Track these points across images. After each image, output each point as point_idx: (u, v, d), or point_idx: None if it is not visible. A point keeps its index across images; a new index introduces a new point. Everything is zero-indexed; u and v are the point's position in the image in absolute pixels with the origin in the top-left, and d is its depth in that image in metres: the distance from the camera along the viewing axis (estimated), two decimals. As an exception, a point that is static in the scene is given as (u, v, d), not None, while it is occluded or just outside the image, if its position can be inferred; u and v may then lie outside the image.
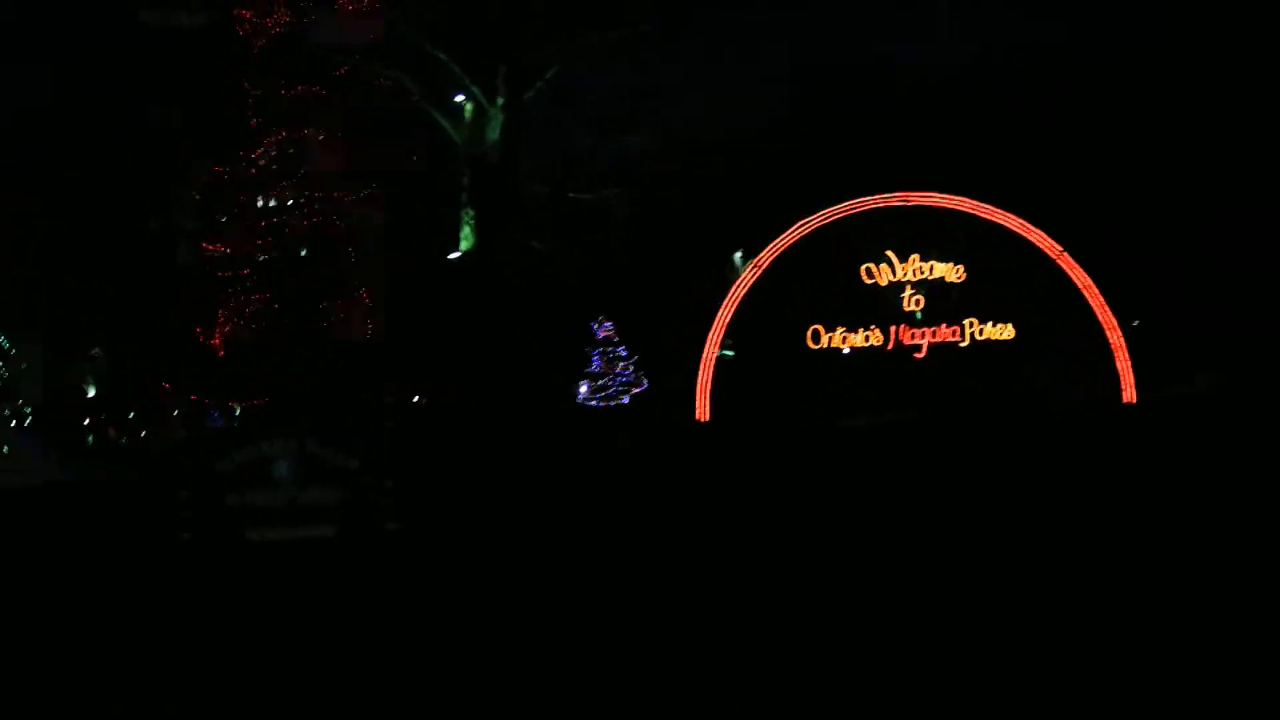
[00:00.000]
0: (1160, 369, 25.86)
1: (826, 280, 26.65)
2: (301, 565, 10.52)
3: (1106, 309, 25.69)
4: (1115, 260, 26.72)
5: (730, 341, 27.18)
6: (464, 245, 24.20)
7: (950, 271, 26.48)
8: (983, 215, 26.07)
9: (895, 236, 26.56)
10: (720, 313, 26.67)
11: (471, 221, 23.96)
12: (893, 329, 26.43)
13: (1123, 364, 25.57)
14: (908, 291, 26.54)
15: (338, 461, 11.31)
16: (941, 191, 26.15)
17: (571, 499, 15.16)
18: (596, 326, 27.48)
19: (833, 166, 27.90)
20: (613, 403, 27.37)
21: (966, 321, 26.39)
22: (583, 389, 27.42)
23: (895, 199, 26.22)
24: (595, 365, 27.46)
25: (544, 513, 13.93)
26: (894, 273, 26.53)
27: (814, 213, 26.46)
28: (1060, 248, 25.63)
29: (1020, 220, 25.85)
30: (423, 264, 26.15)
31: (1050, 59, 28.55)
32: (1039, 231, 25.90)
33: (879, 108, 28.47)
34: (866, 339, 26.51)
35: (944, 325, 26.40)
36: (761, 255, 26.45)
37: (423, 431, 25.82)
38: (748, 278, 26.72)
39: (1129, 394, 25.56)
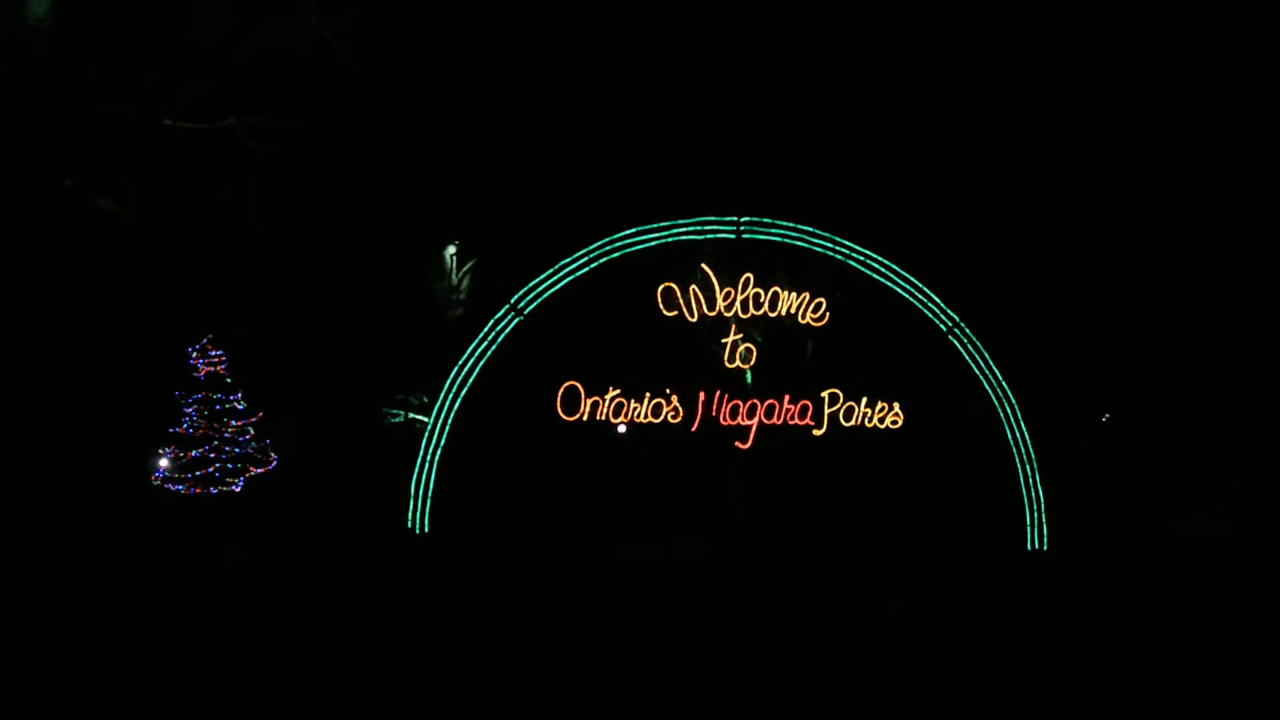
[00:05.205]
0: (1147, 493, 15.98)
1: (598, 306, 15.62)
2: None
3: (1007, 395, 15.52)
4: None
5: (422, 397, 15.79)
6: (-31, 198, 15.73)
7: (804, 308, 15.77)
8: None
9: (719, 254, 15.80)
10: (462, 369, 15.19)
11: (-14, 157, 15.47)
12: (702, 397, 15.54)
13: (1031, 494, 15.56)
14: (733, 335, 15.72)
15: None
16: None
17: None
18: (195, 356, 15.67)
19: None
20: (215, 488, 15.57)
21: (826, 393, 15.70)
22: (163, 462, 15.54)
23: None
24: (189, 421, 15.62)
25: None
26: (710, 302, 15.66)
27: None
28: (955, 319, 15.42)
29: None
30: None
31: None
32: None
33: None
34: (657, 410, 15.53)
35: (787, 398, 15.66)
36: (523, 298, 15.03)
37: None
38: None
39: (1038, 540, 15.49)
